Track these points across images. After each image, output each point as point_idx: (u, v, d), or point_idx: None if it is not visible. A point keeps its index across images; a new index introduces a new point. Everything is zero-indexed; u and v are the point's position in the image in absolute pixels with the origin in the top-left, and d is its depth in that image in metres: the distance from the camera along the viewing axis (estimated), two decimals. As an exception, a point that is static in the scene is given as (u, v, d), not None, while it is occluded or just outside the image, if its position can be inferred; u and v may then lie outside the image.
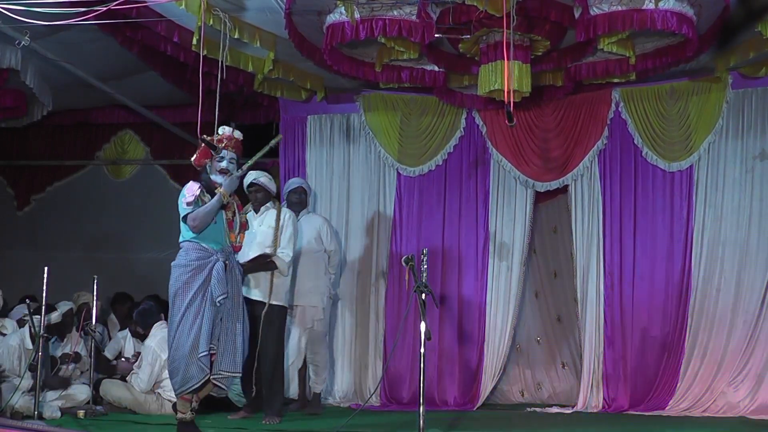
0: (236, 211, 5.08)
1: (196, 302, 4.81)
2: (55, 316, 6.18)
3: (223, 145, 5.03)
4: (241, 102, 7.78)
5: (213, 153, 5.58)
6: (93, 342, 6.25)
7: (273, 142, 5.38)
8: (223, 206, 4.98)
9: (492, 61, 5.63)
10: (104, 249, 8.61)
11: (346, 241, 7.18)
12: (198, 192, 4.92)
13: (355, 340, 7.09)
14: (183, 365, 4.76)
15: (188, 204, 4.92)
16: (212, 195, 4.93)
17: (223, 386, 4.96)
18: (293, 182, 6.72)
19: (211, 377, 4.84)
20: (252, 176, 6.05)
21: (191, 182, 5.01)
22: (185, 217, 4.95)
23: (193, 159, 5.12)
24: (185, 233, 5.02)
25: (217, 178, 5.00)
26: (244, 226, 5.18)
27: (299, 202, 6.53)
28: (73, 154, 8.94)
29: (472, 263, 6.98)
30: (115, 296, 7.74)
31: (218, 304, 4.82)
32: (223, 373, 4.85)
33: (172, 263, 5.01)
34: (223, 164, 5.01)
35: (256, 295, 5.85)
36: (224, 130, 5.14)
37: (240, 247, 5.14)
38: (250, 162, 5.15)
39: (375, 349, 7.04)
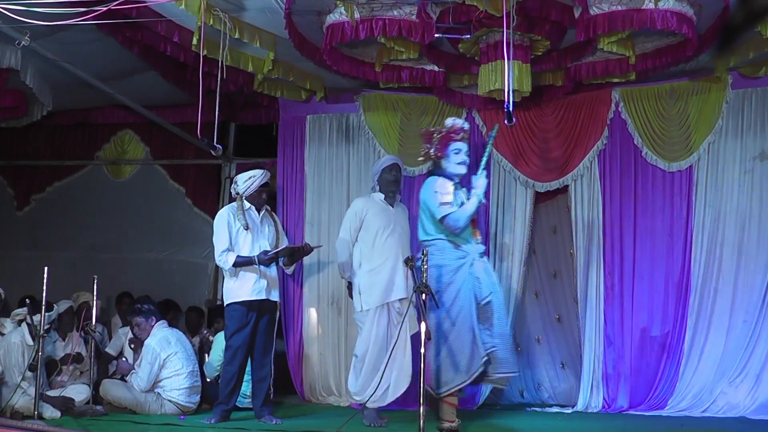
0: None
1: (462, 303, 4.70)
2: (51, 314, 6.15)
3: (460, 137, 4.93)
4: (241, 102, 7.79)
5: (213, 153, 5.58)
6: (93, 342, 6.25)
7: (493, 133, 5.21)
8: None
9: (492, 61, 5.64)
10: (104, 249, 8.60)
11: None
12: (452, 189, 4.81)
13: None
14: (448, 366, 4.67)
15: (444, 203, 4.78)
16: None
17: (501, 386, 4.88)
18: (388, 159, 6.06)
19: (488, 378, 4.77)
20: (266, 176, 6.05)
21: (439, 179, 4.87)
22: (443, 218, 4.78)
23: (432, 153, 4.98)
24: (434, 231, 4.86)
25: (457, 169, 4.90)
26: (474, 223, 5.06)
27: (396, 181, 5.96)
28: (73, 154, 8.94)
29: (472, 263, 6.98)
30: (118, 296, 7.78)
31: (483, 305, 4.71)
32: (504, 374, 4.76)
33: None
34: (463, 156, 4.90)
35: (275, 296, 5.96)
36: (455, 122, 5.03)
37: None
38: (485, 159, 5.01)
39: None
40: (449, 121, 5.08)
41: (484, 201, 4.98)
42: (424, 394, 4.46)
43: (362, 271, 5.84)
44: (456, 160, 4.91)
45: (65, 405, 5.96)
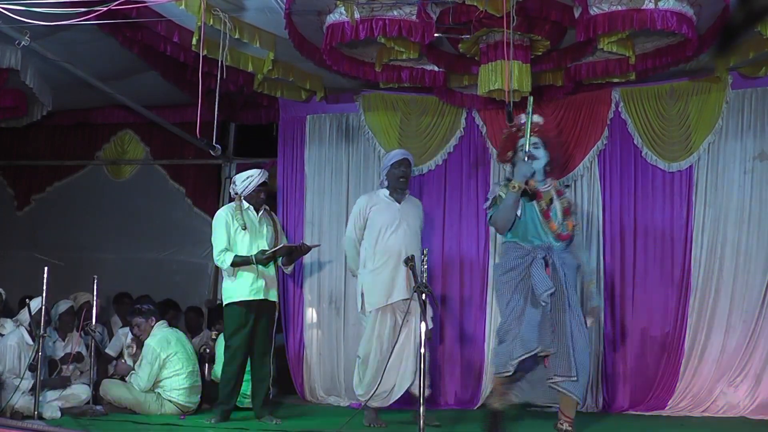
0: (554, 197, 4.82)
1: (515, 303, 4.63)
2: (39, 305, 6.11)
3: (522, 133, 4.82)
4: (241, 102, 7.78)
5: (212, 153, 5.55)
6: (93, 342, 6.25)
7: (529, 107, 4.99)
8: (533, 196, 4.72)
9: (492, 61, 5.63)
10: (104, 249, 8.61)
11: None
12: (498, 191, 4.76)
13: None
14: (499, 353, 4.70)
15: (487, 207, 4.82)
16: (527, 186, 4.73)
17: (565, 390, 4.66)
18: (398, 153, 5.94)
19: (548, 383, 4.72)
20: (264, 175, 6.01)
21: (493, 185, 4.98)
22: (489, 221, 4.88)
23: (501, 157, 5.01)
24: (504, 234, 4.86)
25: (524, 167, 4.76)
26: (567, 211, 4.82)
27: (405, 177, 5.88)
28: (73, 154, 8.94)
29: (473, 263, 6.98)
30: (116, 296, 7.76)
31: (543, 304, 4.57)
32: (555, 378, 4.64)
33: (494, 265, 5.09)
34: (528, 150, 4.76)
35: (273, 296, 5.94)
36: (518, 119, 4.92)
37: (568, 236, 4.74)
38: (527, 143, 4.75)
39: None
40: (516, 120, 4.99)
41: (520, 186, 4.64)
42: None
43: (365, 271, 5.81)
44: (522, 156, 4.78)
45: (63, 384, 6.01)
